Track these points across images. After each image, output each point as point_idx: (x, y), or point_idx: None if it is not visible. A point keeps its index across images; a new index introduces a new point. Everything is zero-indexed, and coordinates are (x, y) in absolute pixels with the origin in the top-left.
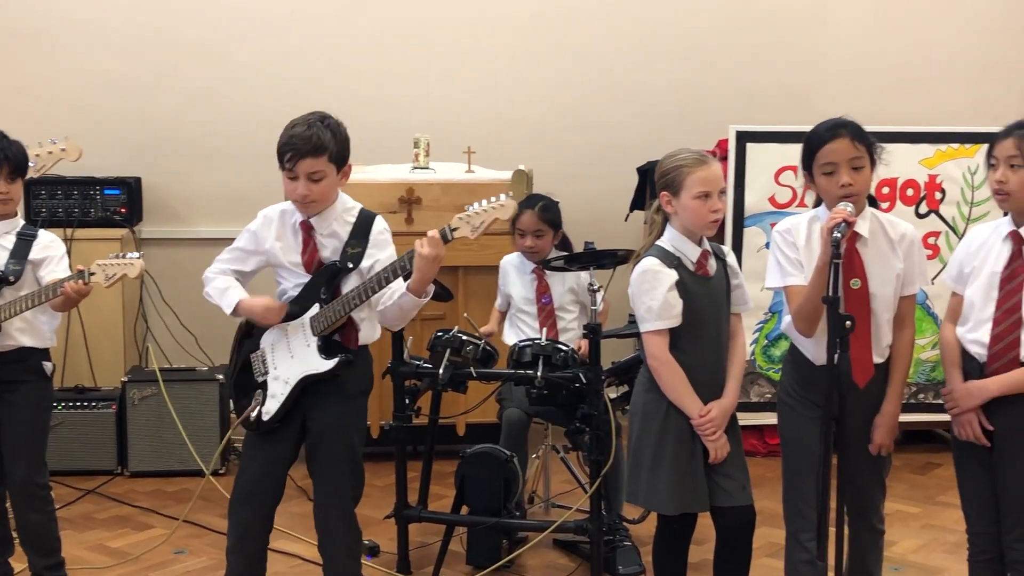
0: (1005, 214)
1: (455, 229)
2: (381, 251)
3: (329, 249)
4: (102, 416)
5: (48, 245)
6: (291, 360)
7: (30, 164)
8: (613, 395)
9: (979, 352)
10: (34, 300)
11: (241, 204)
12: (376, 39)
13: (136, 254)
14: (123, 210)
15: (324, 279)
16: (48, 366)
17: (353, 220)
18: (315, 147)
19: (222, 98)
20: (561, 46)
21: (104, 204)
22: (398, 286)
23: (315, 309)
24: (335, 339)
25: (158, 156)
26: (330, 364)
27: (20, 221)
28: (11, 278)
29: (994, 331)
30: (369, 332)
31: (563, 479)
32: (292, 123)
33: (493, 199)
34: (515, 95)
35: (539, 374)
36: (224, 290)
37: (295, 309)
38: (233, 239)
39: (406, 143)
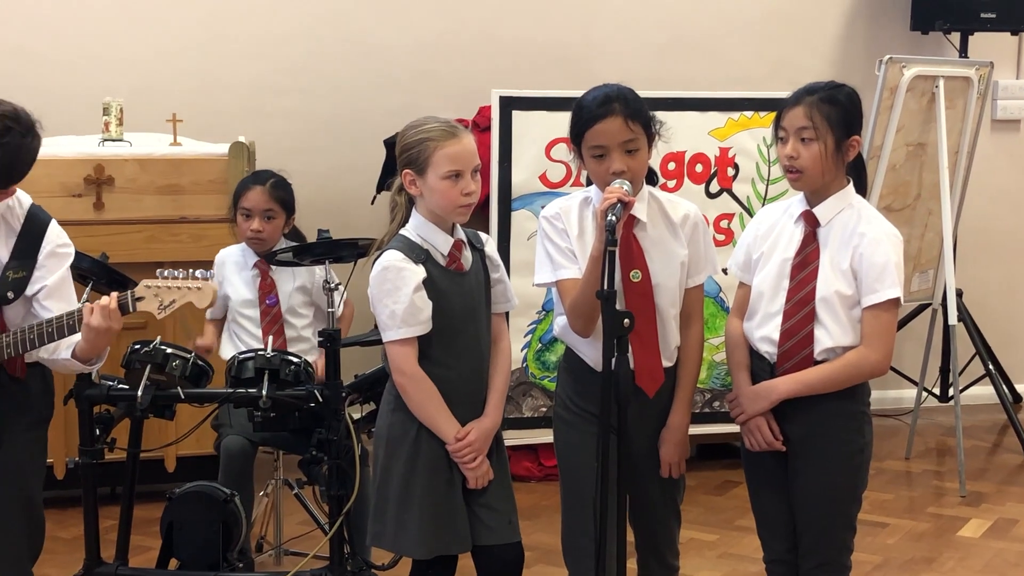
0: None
1: (139, 299)
2: (50, 273)
3: None
4: None
5: None
6: None
7: None
8: (356, 415)
9: (768, 351)
10: None
11: None
12: None
13: (206, 273)
14: None
15: None
16: None
17: (19, 226)
18: None
19: None
20: None
21: None
22: (65, 342)
23: None
24: None
25: None
26: None
27: None
28: None
29: (784, 325)
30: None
31: (299, 520)
32: None
33: (193, 274)
34: (229, 51)
35: (264, 393)
36: None
37: None
38: None
39: (93, 109)
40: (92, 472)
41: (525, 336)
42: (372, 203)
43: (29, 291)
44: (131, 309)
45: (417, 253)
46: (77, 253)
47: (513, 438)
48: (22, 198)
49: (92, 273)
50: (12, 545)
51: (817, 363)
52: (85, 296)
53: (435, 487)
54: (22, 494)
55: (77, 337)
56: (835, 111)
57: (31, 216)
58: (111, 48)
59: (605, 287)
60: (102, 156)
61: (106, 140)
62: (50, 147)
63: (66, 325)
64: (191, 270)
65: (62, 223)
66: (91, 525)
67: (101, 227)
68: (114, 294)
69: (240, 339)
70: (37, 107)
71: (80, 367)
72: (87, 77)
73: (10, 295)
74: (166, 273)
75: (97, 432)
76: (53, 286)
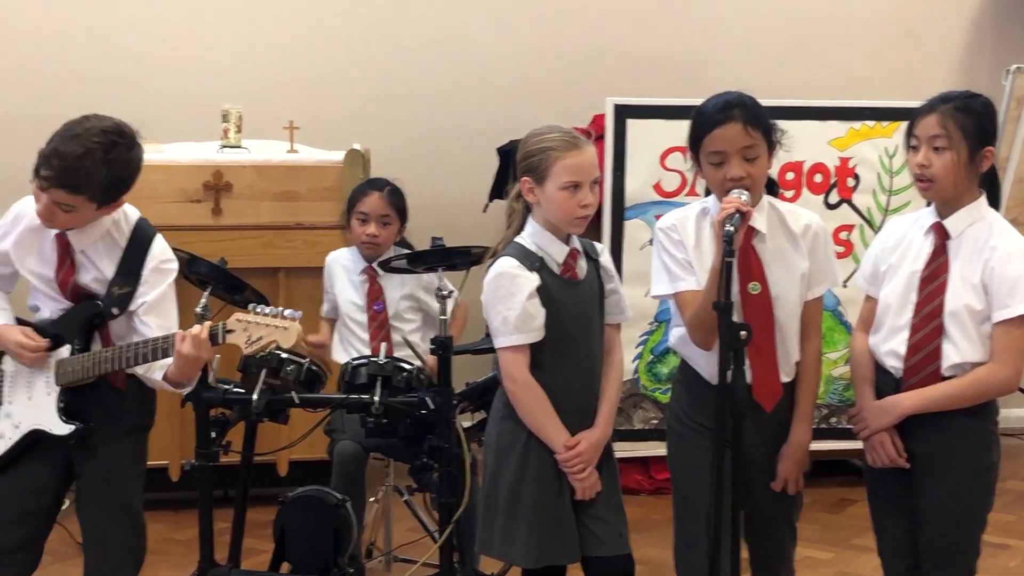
0: (928, 204)
1: (230, 332)
2: (152, 289)
3: (90, 275)
4: None
5: None
6: (28, 402)
7: None
8: (467, 424)
9: (894, 365)
10: None
11: None
12: None
13: (294, 313)
14: None
15: (81, 320)
16: None
17: (125, 242)
18: (73, 185)
19: None
20: (394, 2)
21: None
22: (158, 364)
23: (66, 352)
24: (85, 393)
25: None
26: (65, 431)
27: None
28: None
29: (911, 339)
30: None
31: (408, 527)
32: (72, 128)
33: (282, 313)
34: (346, 60)
35: (377, 399)
36: None
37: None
38: None
39: (213, 116)
40: (208, 475)
41: (637, 347)
42: (484, 211)
43: (131, 306)
44: (220, 341)
45: (532, 261)
46: (196, 258)
47: (623, 450)
48: (129, 212)
49: (210, 277)
50: (112, 548)
51: (944, 379)
52: (204, 300)
53: (544, 496)
54: (121, 499)
55: (170, 360)
56: (970, 120)
57: (137, 231)
58: (231, 56)
59: (722, 299)
60: (221, 162)
61: (225, 147)
62: (170, 153)
63: (160, 348)
64: (282, 309)
65: (181, 228)
66: (206, 527)
67: (219, 232)
68: (206, 324)
69: (351, 344)
70: (159, 114)
71: (170, 389)
72: (207, 85)
73: (115, 311)
74: (258, 308)
75: (213, 435)
76: (153, 302)
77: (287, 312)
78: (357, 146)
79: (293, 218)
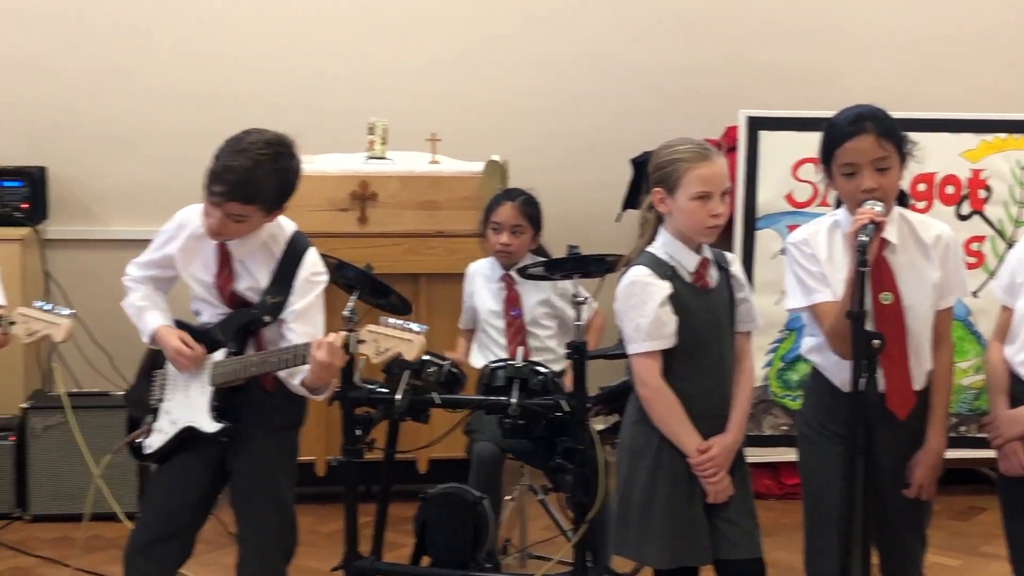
0: None
1: (362, 342)
2: (300, 299)
3: (246, 283)
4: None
5: None
6: (184, 400)
7: None
8: (601, 426)
9: None
10: None
11: (161, 200)
12: (323, 6)
13: (67, 311)
14: (24, 205)
15: (236, 325)
16: None
17: (280, 254)
18: (248, 196)
19: (139, 77)
20: (540, 17)
21: (2, 198)
22: (299, 369)
23: (221, 355)
24: (238, 395)
25: (65, 143)
26: (214, 428)
27: None
28: None
29: None
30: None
31: (542, 525)
32: (236, 143)
33: (409, 326)
34: (486, 74)
35: (514, 400)
36: (141, 309)
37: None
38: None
39: (359, 129)
40: (353, 471)
41: (767, 354)
42: (617, 220)
43: (282, 314)
44: (353, 350)
45: (663, 269)
46: (344, 264)
47: (753, 455)
48: (285, 225)
49: (357, 283)
50: (263, 540)
51: None
52: (351, 304)
53: (677, 499)
54: (272, 493)
55: (302, 370)
56: None
57: (292, 243)
58: (376, 70)
59: (855, 308)
60: (367, 173)
61: (371, 158)
62: (319, 164)
63: (300, 355)
64: (409, 322)
65: (329, 235)
66: (351, 521)
67: (364, 239)
68: (341, 333)
69: (489, 349)
70: (307, 126)
71: (307, 394)
72: (353, 98)
73: (267, 319)
74: (389, 321)
75: (358, 433)
76: (301, 310)
77: (415, 326)
78: (496, 157)
79: (434, 226)
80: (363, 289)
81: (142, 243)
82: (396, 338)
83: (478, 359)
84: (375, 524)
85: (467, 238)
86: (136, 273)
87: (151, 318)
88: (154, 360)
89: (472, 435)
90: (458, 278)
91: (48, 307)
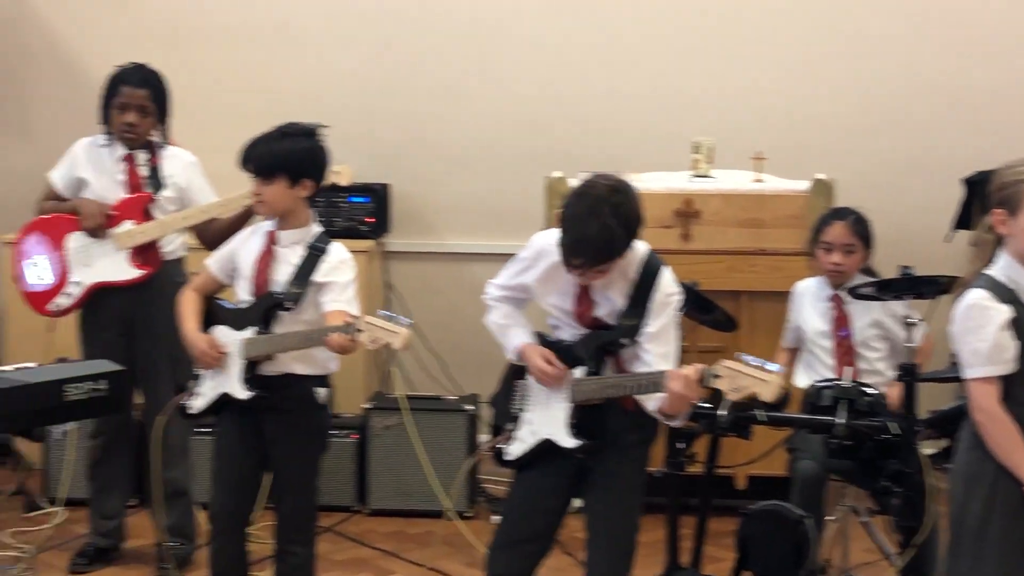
0: None
1: (717, 377)
2: (655, 320)
3: (605, 309)
4: (342, 446)
5: (335, 267)
6: (545, 412)
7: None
8: (930, 451)
9: None
10: (300, 342)
11: (495, 215)
12: (649, 30)
13: (406, 320)
14: (370, 220)
15: (595, 346)
16: (321, 393)
17: (635, 276)
18: (609, 257)
19: (475, 99)
20: (867, 35)
21: (350, 213)
22: (655, 395)
23: (581, 372)
24: (595, 413)
25: (406, 161)
26: (572, 444)
27: (314, 229)
28: (287, 304)
29: None
30: None
31: (864, 547)
32: (578, 212)
33: (766, 366)
34: (812, 93)
35: (840, 421)
36: (504, 327)
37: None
38: (487, 254)
39: (683, 147)
40: (675, 483)
41: None
42: (946, 241)
43: (638, 336)
44: (707, 383)
45: (1004, 293)
46: None
47: None
48: (638, 247)
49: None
50: (612, 549)
51: None
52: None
53: (1014, 530)
54: (622, 507)
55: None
56: None
57: (647, 264)
58: (701, 90)
59: None
60: (691, 191)
61: (695, 176)
62: (644, 182)
63: (655, 383)
64: (767, 363)
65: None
66: (672, 532)
67: (687, 256)
68: (697, 366)
69: (814, 369)
70: (633, 146)
71: (662, 419)
72: (678, 117)
73: (625, 341)
74: (744, 358)
75: (680, 446)
76: (655, 332)
77: (772, 366)
78: (822, 176)
79: (757, 244)
80: (689, 305)
81: (476, 256)
82: (753, 377)
83: (802, 378)
84: (695, 536)
85: (791, 256)
86: (496, 293)
87: (515, 335)
88: (517, 370)
89: (795, 453)
90: (781, 296)
91: (390, 316)
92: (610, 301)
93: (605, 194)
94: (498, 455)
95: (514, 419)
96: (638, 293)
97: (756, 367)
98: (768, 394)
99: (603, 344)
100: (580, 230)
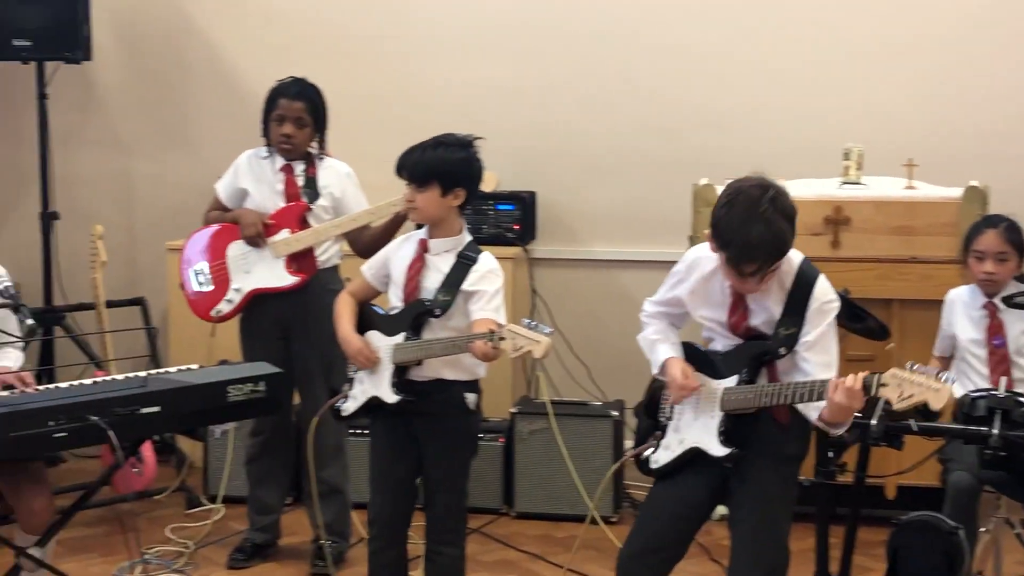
0: None
1: (883, 385)
2: (813, 328)
3: (760, 319)
4: (489, 450)
5: (484, 276)
6: (693, 422)
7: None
8: None
9: None
10: (446, 348)
11: (641, 222)
12: (797, 35)
13: (548, 329)
14: (516, 227)
15: (750, 355)
16: (471, 399)
17: (790, 284)
18: (774, 258)
19: (620, 107)
20: (1022, 40)
21: (497, 220)
22: (813, 404)
23: (732, 381)
24: (747, 422)
25: (552, 170)
26: (721, 452)
27: (465, 238)
28: (436, 311)
29: None
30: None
31: (1017, 559)
32: (738, 213)
33: (938, 374)
34: (965, 99)
35: (996, 431)
36: (653, 343)
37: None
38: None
39: (834, 154)
40: (826, 492)
41: None
42: None
43: (795, 345)
44: (873, 392)
45: None
46: None
47: None
48: (792, 257)
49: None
50: (756, 564)
51: None
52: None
53: None
54: (769, 521)
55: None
56: None
57: (801, 274)
58: (852, 97)
59: None
60: (841, 198)
61: (845, 183)
62: (794, 189)
63: (816, 392)
64: (934, 369)
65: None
66: (822, 541)
67: (837, 264)
68: (859, 375)
69: (968, 377)
70: (783, 152)
71: (824, 428)
72: (828, 123)
73: (782, 351)
74: (916, 367)
75: (830, 455)
76: (813, 340)
77: (945, 375)
78: (975, 183)
79: (908, 252)
80: (841, 313)
81: (621, 263)
82: (922, 386)
83: (956, 388)
84: (843, 545)
85: (944, 264)
86: (651, 309)
87: (662, 350)
88: (662, 383)
89: (947, 464)
90: (933, 304)
91: (532, 324)
92: (766, 310)
93: (757, 195)
94: (643, 464)
95: (662, 428)
96: (794, 301)
97: (925, 375)
98: (938, 403)
99: (759, 354)
100: (744, 236)
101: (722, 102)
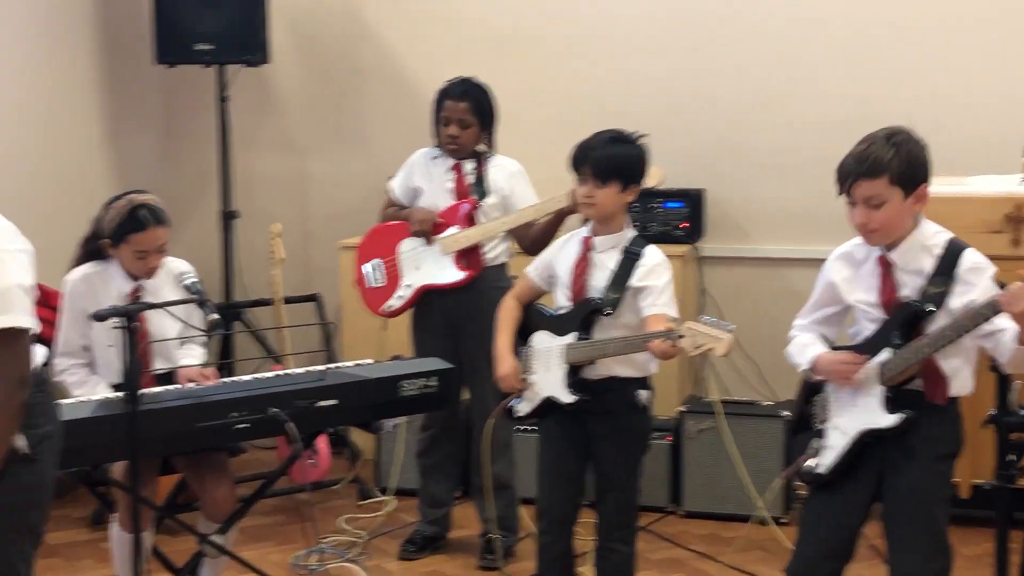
0: None
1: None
2: (970, 290)
3: (909, 287)
4: (657, 448)
5: (651, 270)
6: (853, 409)
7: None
8: None
9: None
10: (622, 348)
11: (808, 221)
12: (975, 29)
13: (730, 325)
14: (684, 224)
15: (899, 321)
16: (643, 396)
17: (939, 253)
18: (869, 168)
19: (788, 103)
20: None
21: (665, 218)
22: (1001, 325)
23: (885, 354)
24: (909, 389)
25: (721, 167)
26: (892, 420)
27: (628, 234)
28: (607, 309)
29: None
30: (962, 383)
31: None
32: (860, 140)
33: None
34: None
35: None
36: (804, 346)
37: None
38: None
39: (1015, 151)
40: (1004, 496)
41: None
42: None
43: (949, 306)
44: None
45: None
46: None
47: None
48: (943, 231)
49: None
50: (912, 564)
51: None
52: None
53: None
54: (925, 518)
55: (1005, 327)
56: None
57: (951, 242)
58: None
59: None
60: (1022, 195)
61: None
62: (970, 186)
63: (981, 315)
64: None
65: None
66: (1001, 546)
67: (1017, 262)
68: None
69: None
70: (959, 149)
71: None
72: (1009, 119)
73: (929, 307)
74: None
75: (1011, 458)
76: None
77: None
78: None
79: None
80: None
81: (790, 261)
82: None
83: None
84: (1023, 552)
85: None
86: (800, 322)
87: (811, 350)
88: (812, 387)
89: None
90: None
91: (712, 321)
92: (915, 278)
93: (885, 132)
94: (805, 475)
95: (819, 434)
96: (943, 265)
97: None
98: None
99: (909, 316)
100: (852, 151)
101: (895, 97)
